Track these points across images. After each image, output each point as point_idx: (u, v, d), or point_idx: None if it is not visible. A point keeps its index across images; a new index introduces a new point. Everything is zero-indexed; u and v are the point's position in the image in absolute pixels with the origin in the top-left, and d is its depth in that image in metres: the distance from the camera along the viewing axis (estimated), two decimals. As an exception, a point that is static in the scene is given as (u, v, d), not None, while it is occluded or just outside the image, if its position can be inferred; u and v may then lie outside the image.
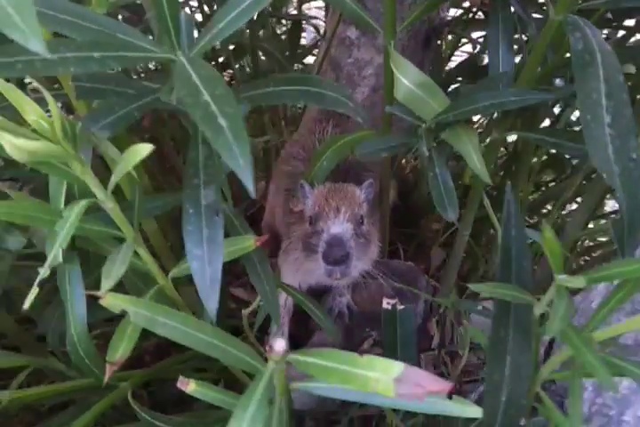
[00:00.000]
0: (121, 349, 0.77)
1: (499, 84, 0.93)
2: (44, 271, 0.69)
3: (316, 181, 1.07)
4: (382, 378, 0.50)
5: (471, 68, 1.59)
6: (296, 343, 1.36)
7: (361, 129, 1.07)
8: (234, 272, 1.53)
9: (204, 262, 0.67)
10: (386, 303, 0.90)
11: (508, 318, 0.62)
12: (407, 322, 0.89)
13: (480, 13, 1.59)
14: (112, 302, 0.64)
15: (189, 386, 0.72)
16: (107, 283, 0.65)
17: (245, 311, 1.08)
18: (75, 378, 1.00)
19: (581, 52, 0.66)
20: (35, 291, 0.67)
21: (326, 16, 1.80)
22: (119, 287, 0.86)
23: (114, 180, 0.66)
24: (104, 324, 1.40)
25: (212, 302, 0.67)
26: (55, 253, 0.72)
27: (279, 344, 0.54)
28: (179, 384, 0.72)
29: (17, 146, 0.51)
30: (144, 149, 0.56)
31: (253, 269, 0.89)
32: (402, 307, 0.90)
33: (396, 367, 0.50)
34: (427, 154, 0.93)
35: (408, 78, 0.92)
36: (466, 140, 0.97)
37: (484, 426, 0.61)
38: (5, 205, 0.70)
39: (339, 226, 1.00)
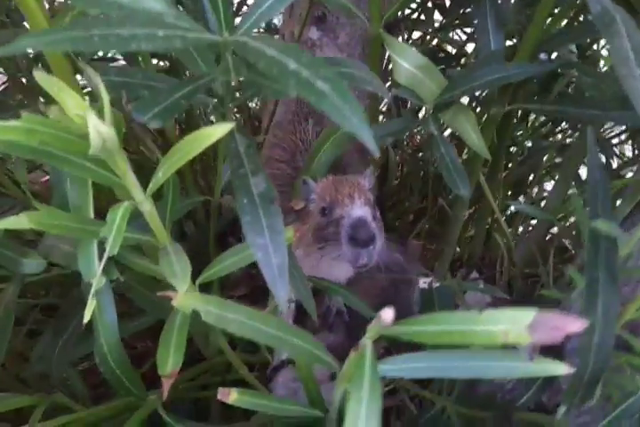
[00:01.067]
0: (170, 360, 0.71)
1: (492, 62, 0.95)
2: (94, 288, 0.63)
3: (318, 175, 1.05)
4: (512, 328, 0.48)
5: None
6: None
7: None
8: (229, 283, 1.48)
9: (269, 252, 0.63)
10: (422, 283, 0.89)
11: (598, 258, 0.62)
12: (446, 300, 0.88)
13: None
14: (184, 302, 0.59)
15: (231, 396, 0.69)
16: (181, 286, 0.61)
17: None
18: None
19: (601, 13, 0.69)
20: (92, 303, 0.60)
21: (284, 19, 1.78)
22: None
23: (162, 176, 0.61)
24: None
25: (282, 291, 0.63)
26: (94, 267, 0.67)
27: (388, 313, 0.51)
28: (220, 396, 0.68)
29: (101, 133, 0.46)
30: (219, 131, 0.52)
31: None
32: (438, 284, 0.89)
33: (527, 315, 0.49)
34: (436, 133, 0.94)
35: (408, 61, 0.93)
36: (463, 120, 0.99)
37: (578, 371, 0.61)
38: (34, 214, 0.64)
39: (359, 209, 0.98)
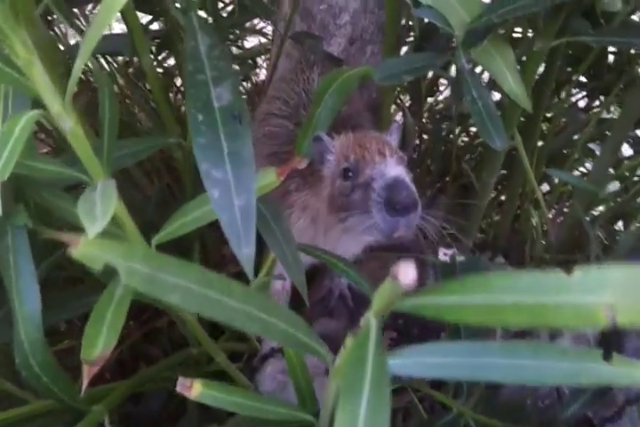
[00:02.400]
0: (101, 341, 0.51)
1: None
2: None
3: (320, 127, 0.85)
4: (626, 301, 0.28)
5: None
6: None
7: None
8: (208, 261, 1.28)
9: (230, 189, 0.43)
10: (442, 254, 0.69)
11: None
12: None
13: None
14: (90, 252, 0.38)
15: (194, 389, 0.50)
16: (92, 228, 0.40)
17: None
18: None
19: None
20: None
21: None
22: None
23: (86, 51, 0.41)
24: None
25: (246, 248, 0.43)
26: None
27: (410, 270, 0.30)
28: (179, 389, 0.50)
29: None
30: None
31: (267, 226, 0.65)
32: (463, 257, 0.68)
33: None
34: (467, 68, 0.73)
35: (435, -27, 0.72)
36: (498, 58, 0.78)
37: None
38: None
39: (395, 168, 0.77)
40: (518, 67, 0.79)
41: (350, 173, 0.81)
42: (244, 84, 1.81)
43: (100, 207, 0.41)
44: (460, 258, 0.68)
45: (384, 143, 0.82)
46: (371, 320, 0.35)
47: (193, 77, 0.46)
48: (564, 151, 1.45)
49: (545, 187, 1.52)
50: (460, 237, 1.02)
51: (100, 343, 0.51)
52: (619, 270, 0.28)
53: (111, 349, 0.51)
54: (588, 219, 1.31)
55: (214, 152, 0.43)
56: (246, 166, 0.43)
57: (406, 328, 1.12)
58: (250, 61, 1.84)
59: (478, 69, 0.95)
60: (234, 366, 0.83)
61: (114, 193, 0.42)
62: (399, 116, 1.77)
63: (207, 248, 1.26)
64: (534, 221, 1.16)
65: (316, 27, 1.22)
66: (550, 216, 1.38)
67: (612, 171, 1.26)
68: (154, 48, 1.39)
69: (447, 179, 1.46)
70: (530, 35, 1.08)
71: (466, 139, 1.64)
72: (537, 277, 0.30)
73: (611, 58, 1.22)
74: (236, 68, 1.51)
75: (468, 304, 0.31)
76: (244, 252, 0.42)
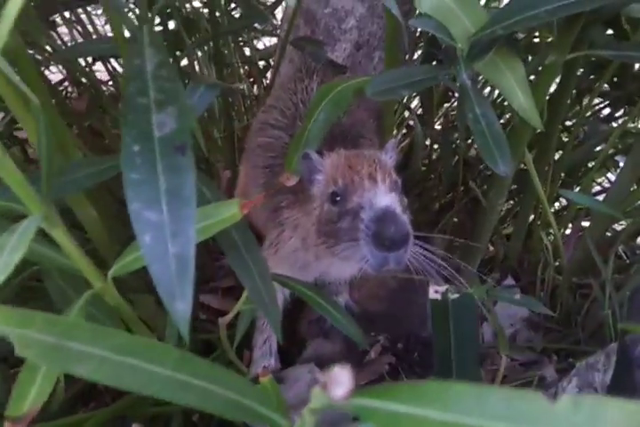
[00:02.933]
0: (32, 394, 0.45)
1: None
2: None
3: (310, 144, 0.78)
4: None
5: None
6: (285, 357, 1.06)
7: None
8: (201, 274, 1.21)
9: (164, 233, 0.36)
10: (434, 292, 0.61)
11: None
12: (467, 318, 0.59)
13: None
14: None
15: None
16: None
17: (223, 321, 0.77)
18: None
19: None
20: None
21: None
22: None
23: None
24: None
25: (181, 303, 0.36)
26: None
27: (343, 379, 0.24)
28: None
29: None
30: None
31: (237, 255, 0.59)
32: (457, 295, 0.61)
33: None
34: (469, 84, 0.65)
35: (435, -20, 0.64)
36: (505, 71, 0.70)
37: None
38: None
39: (385, 196, 0.70)
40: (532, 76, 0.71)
41: (338, 198, 0.74)
42: (252, 88, 1.75)
43: (6, 256, 0.34)
44: (454, 296, 0.61)
45: (377, 165, 0.75)
46: (307, 418, 0.29)
47: (133, 100, 0.39)
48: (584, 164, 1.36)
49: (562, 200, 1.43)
50: (463, 265, 0.94)
51: (30, 396, 0.45)
52: (619, 408, 0.20)
53: (42, 401, 0.45)
54: (609, 234, 1.21)
55: (149, 189, 0.37)
56: (186, 206, 0.37)
57: (406, 353, 1.05)
58: (263, 63, 1.78)
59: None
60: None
61: (26, 242, 0.36)
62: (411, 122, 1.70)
63: (202, 258, 1.20)
64: (547, 240, 1.07)
65: (319, 31, 1.15)
66: (567, 232, 1.29)
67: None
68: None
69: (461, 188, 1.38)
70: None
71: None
72: (511, 399, 0.22)
73: (637, 66, 1.13)
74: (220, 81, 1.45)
75: (422, 418, 0.24)
76: (179, 308, 0.36)
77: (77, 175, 0.57)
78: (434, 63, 1.05)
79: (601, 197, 1.25)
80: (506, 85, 0.70)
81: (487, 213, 0.93)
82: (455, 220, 1.32)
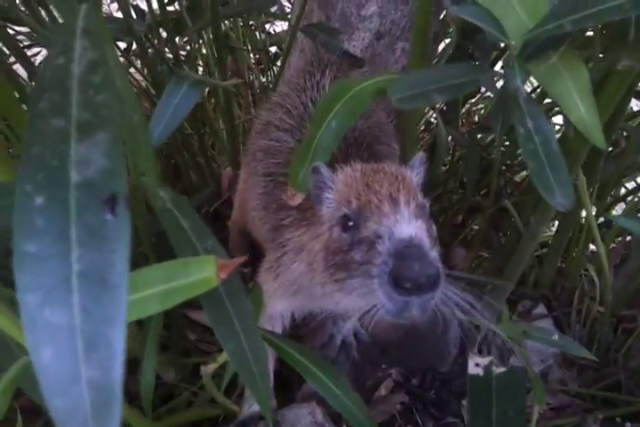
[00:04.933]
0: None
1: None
2: None
3: (319, 156, 0.63)
4: None
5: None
6: (284, 390, 0.93)
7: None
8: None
9: (74, 345, 0.22)
10: (474, 365, 0.47)
11: None
12: (513, 400, 0.45)
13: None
14: None
15: None
16: None
17: (205, 370, 0.64)
18: None
19: None
20: None
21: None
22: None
23: None
24: None
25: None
26: None
27: None
28: None
29: None
30: None
31: (218, 311, 0.45)
32: (502, 369, 0.47)
33: None
34: (522, 91, 0.50)
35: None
36: (566, 76, 0.56)
37: None
38: None
39: (409, 225, 0.56)
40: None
41: (351, 224, 0.60)
42: (261, 76, 1.59)
43: None
44: (498, 370, 0.47)
45: (400, 184, 0.60)
46: None
47: (43, 122, 0.25)
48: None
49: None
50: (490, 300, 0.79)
51: None
52: None
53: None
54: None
55: (53, 270, 0.23)
56: (112, 300, 0.23)
57: (421, 391, 0.91)
58: (276, 49, 1.63)
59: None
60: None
61: None
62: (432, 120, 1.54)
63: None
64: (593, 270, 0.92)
65: (335, 17, 1.00)
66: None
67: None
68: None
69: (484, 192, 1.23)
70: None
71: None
72: None
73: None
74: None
75: None
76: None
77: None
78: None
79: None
80: (564, 93, 0.55)
81: (525, 241, 0.78)
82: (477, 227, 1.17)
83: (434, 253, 0.54)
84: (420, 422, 0.88)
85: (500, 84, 0.61)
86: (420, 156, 0.67)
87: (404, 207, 0.57)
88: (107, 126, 0.25)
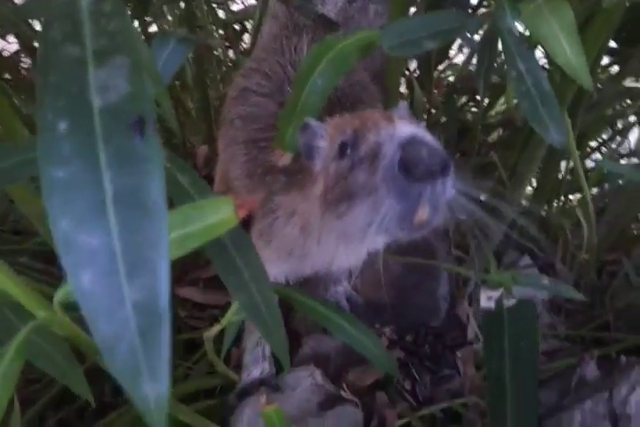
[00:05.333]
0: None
1: None
2: None
3: (307, 114, 0.61)
4: None
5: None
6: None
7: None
8: (180, 265, 1.07)
9: (115, 268, 0.22)
10: (486, 298, 0.48)
11: None
12: (527, 333, 0.46)
13: None
14: None
15: None
16: None
17: (208, 334, 0.64)
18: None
19: None
20: None
21: None
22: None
23: None
24: None
25: (153, 385, 0.22)
26: None
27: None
28: None
29: None
30: None
31: (227, 262, 0.44)
32: (512, 300, 0.47)
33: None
34: (516, 32, 0.50)
35: None
36: (549, 17, 0.56)
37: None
38: None
39: (408, 127, 0.53)
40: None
41: (348, 150, 0.57)
42: (228, 53, 1.56)
43: None
44: (509, 302, 0.47)
45: (390, 114, 0.59)
46: None
47: (57, 51, 0.24)
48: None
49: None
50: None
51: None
52: None
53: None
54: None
55: (85, 195, 0.22)
56: (151, 220, 0.22)
57: (416, 347, 0.92)
58: (238, 26, 1.59)
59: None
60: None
61: None
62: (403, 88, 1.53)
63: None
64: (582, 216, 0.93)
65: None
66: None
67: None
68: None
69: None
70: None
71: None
72: None
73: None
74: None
75: None
76: (148, 395, 0.21)
77: (7, 164, 0.41)
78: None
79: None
80: (550, 36, 0.55)
81: (512, 187, 0.79)
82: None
83: (439, 146, 0.51)
84: (416, 376, 0.89)
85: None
86: (403, 104, 0.66)
87: (398, 121, 0.55)
88: (125, 51, 0.24)
